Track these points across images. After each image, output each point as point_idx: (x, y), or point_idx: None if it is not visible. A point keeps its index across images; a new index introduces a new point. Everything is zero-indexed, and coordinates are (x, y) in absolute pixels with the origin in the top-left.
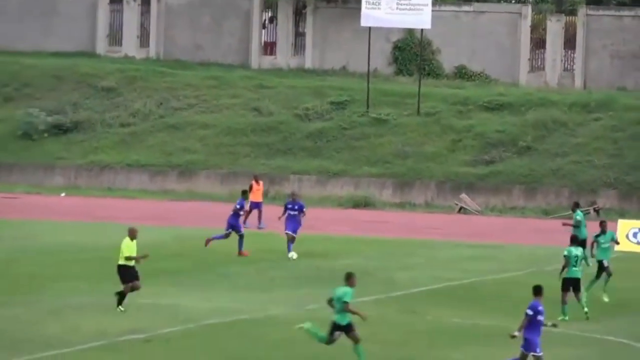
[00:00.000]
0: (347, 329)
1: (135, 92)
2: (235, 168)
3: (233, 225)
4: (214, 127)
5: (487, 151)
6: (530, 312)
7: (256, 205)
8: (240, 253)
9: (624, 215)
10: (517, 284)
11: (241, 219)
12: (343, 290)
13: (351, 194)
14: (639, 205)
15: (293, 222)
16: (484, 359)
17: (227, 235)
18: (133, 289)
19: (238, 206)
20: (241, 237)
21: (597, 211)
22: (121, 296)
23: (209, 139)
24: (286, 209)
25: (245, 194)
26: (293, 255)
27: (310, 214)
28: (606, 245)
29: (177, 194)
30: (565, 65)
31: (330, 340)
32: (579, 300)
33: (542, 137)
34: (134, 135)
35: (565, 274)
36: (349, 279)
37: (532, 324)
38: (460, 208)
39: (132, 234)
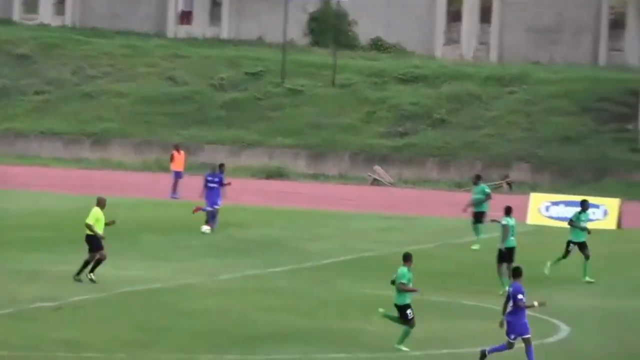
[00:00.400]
0: (402, 309)
1: (51, 60)
2: (150, 137)
3: (209, 198)
4: (129, 96)
5: (401, 123)
6: (521, 297)
7: (177, 175)
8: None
9: (535, 188)
10: (429, 256)
11: (222, 190)
12: (400, 271)
13: (265, 164)
14: (551, 178)
15: (213, 196)
16: (394, 331)
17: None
18: (100, 260)
19: (209, 178)
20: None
21: (509, 184)
22: (95, 265)
23: (124, 108)
24: (206, 181)
25: (222, 167)
26: (206, 229)
27: None
28: (585, 224)
29: (91, 162)
30: (481, 39)
31: (404, 322)
32: (509, 275)
33: (457, 110)
34: (49, 103)
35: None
36: (406, 259)
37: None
38: (374, 180)
39: (102, 204)
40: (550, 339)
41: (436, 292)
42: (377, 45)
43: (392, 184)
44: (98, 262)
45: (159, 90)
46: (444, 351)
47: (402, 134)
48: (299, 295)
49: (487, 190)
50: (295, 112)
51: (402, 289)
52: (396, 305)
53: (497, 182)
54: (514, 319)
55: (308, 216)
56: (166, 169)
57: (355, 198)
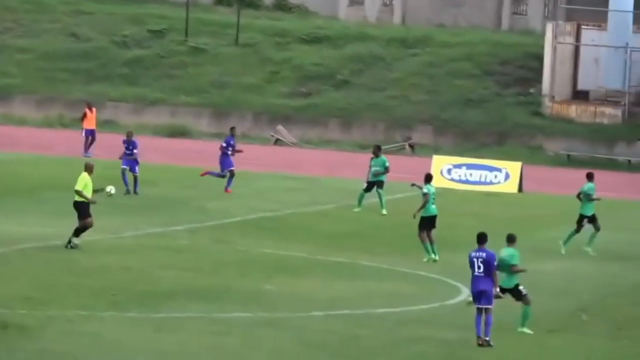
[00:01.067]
0: (515, 292)
1: None
2: (52, 93)
3: (224, 163)
4: (31, 51)
5: (304, 84)
6: (496, 264)
7: (90, 133)
8: (226, 190)
9: (438, 151)
10: (329, 216)
11: (231, 157)
12: (509, 253)
13: (168, 122)
14: (454, 141)
15: (129, 162)
16: (294, 290)
17: (222, 176)
18: (85, 227)
19: (224, 144)
20: (232, 174)
21: (411, 146)
22: (77, 232)
23: (27, 64)
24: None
25: (233, 130)
26: (111, 189)
27: None
28: (593, 195)
29: None
30: (385, 0)
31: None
32: (431, 241)
33: (360, 71)
34: None
35: (422, 212)
36: (511, 240)
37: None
38: (277, 140)
39: (89, 169)
40: (452, 301)
41: (337, 253)
42: (281, 5)
43: (294, 145)
44: (84, 229)
45: (62, 47)
46: (345, 311)
47: (305, 95)
48: (201, 253)
49: (387, 164)
50: (198, 70)
51: (515, 271)
52: (504, 289)
53: (399, 144)
54: (489, 285)
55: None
56: (68, 126)
57: (258, 158)
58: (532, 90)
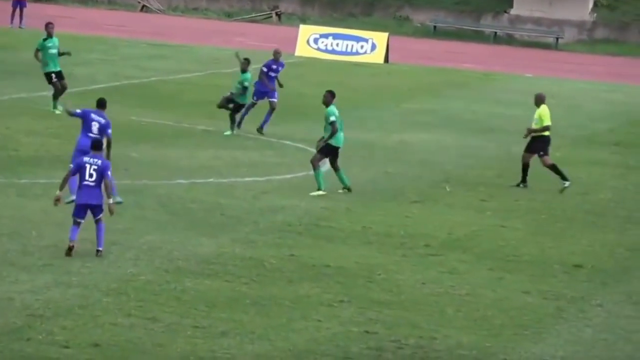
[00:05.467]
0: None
1: None
2: None
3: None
4: None
5: None
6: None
7: (21, 4)
8: None
9: (305, 20)
10: (196, 85)
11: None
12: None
13: None
14: (320, 11)
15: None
16: (159, 158)
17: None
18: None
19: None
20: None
21: (278, 15)
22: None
23: None
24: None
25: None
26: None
27: None
28: None
29: None
30: None
31: None
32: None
33: None
34: None
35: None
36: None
37: None
38: (143, 6)
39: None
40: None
41: (203, 121)
42: None
43: (161, 11)
44: None
45: None
46: (210, 180)
47: None
48: (66, 120)
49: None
50: None
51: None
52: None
53: (266, 13)
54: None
55: (76, 41)
56: None
57: (124, 24)
58: None
